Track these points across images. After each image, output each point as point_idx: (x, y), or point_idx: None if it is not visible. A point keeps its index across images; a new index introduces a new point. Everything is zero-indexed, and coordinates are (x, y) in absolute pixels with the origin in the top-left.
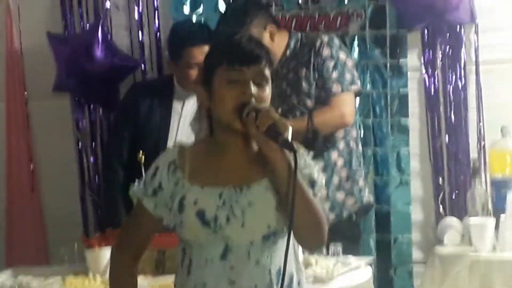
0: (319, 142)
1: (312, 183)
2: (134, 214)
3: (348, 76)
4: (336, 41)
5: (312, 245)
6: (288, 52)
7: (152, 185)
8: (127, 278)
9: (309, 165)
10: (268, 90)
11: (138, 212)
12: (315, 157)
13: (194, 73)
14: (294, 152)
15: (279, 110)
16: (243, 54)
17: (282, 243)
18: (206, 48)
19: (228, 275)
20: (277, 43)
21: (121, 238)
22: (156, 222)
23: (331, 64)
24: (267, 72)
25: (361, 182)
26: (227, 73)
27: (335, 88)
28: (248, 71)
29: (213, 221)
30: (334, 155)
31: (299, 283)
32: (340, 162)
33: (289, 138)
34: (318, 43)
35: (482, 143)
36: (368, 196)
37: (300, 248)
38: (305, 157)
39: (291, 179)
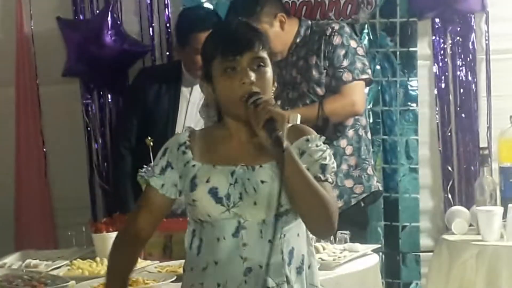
0: (329, 130)
1: (324, 167)
2: (143, 196)
3: (359, 65)
4: (347, 29)
5: (322, 231)
6: (298, 39)
7: (160, 164)
8: (126, 258)
9: (321, 149)
10: (269, 72)
11: (146, 194)
12: (324, 144)
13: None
14: (283, 151)
15: (290, 96)
16: (233, 42)
17: (295, 224)
18: None
19: (240, 252)
20: (287, 31)
21: (129, 220)
22: (164, 203)
23: (342, 52)
24: (263, 54)
25: (369, 170)
26: (223, 65)
27: (346, 76)
28: (243, 59)
29: (226, 198)
30: (343, 143)
31: (309, 266)
32: (349, 150)
33: (299, 122)
34: (328, 31)
35: (491, 131)
36: (376, 184)
37: None
38: (316, 141)
39: (281, 174)
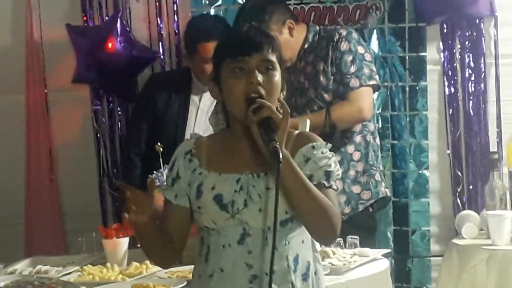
0: (336, 137)
1: (328, 174)
2: (163, 209)
3: (366, 71)
4: (355, 35)
5: (324, 237)
6: (306, 45)
7: (171, 175)
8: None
9: (326, 156)
10: (277, 76)
11: (164, 207)
12: (331, 151)
13: (209, 67)
14: (279, 162)
15: (297, 103)
16: (243, 44)
17: (299, 231)
18: None
19: (245, 260)
20: (296, 37)
21: None
22: (182, 213)
23: (349, 58)
24: (272, 57)
25: (377, 176)
26: (231, 65)
27: (353, 82)
28: (251, 60)
29: (230, 205)
30: (350, 149)
31: (315, 272)
32: (356, 156)
33: (308, 127)
34: (336, 37)
35: (501, 136)
36: (384, 190)
37: None
38: (322, 149)
39: (277, 184)
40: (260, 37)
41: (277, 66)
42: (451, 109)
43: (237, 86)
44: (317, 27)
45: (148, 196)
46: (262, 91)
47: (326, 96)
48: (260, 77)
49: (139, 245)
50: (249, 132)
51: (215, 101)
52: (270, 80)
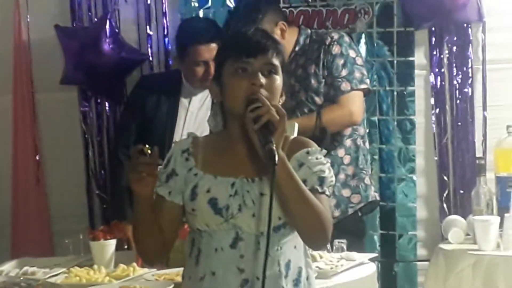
0: (326, 140)
1: (322, 180)
2: (154, 205)
3: (357, 75)
4: (346, 39)
5: (315, 242)
6: (297, 48)
7: (166, 172)
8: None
9: (320, 162)
10: (279, 80)
11: (156, 203)
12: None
13: (200, 70)
14: (275, 164)
15: (287, 105)
16: (249, 45)
17: (292, 237)
18: (212, 46)
19: (237, 264)
20: (287, 39)
21: None
22: (174, 210)
23: (340, 62)
24: (276, 61)
25: (367, 180)
26: (235, 66)
27: (344, 86)
28: (255, 61)
29: (225, 209)
30: (341, 152)
31: (307, 278)
32: (346, 159)
33: (295, 134)
34: (328, 40)
35: (488, 141)
36: (373, 194)
37: None
38: (317, 154)
39: (271, 187)
40: (266, 40)
41: (280, 70)
42: (438, 114)
43: (239, 86)
44: (309, 31)
45: (153, 166)
46: (264, 94)
47: (316, 99)
48: (263, 79)
49: (126, 247)
50: (246, 134)
51: (205, 104)
52: (272, 83)
